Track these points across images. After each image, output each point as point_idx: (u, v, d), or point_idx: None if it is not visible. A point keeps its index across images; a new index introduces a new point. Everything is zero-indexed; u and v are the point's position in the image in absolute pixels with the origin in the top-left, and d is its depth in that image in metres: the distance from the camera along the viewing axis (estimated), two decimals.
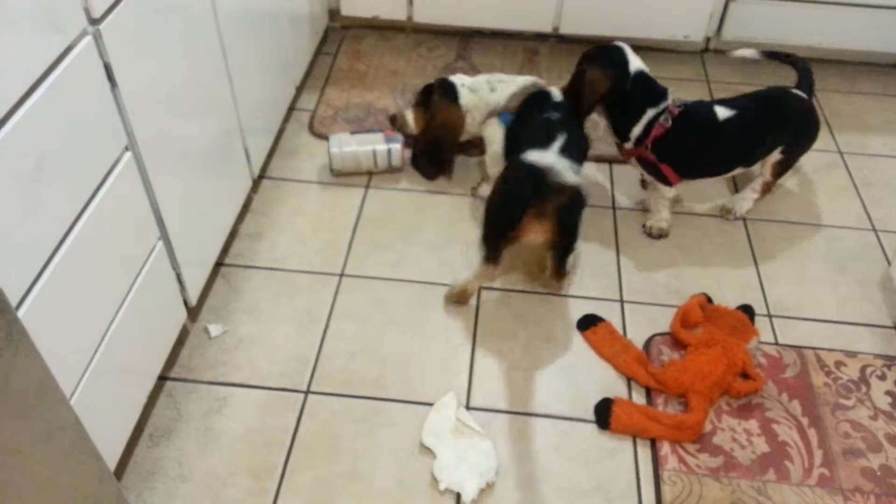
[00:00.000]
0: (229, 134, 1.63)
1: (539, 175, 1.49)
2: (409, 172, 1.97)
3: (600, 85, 1.67)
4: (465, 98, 1.83)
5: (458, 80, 1.86)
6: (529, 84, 1.81)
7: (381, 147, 1.91)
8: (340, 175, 1.95)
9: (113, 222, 1.16)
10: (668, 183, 1.72)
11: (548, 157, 1.54)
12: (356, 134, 1.95)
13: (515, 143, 1.66)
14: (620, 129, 1.71)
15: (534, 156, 1.55)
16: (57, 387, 0.86)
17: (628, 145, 1.71)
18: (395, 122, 1.95)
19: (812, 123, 1.77)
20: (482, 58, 2.40)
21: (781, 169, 1.79)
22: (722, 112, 1.67)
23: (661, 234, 1.81)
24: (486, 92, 1.82)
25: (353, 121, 2.12)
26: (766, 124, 1.70)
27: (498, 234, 1.54)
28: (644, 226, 1.82)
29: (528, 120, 1.72)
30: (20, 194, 0.94)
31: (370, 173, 1.96)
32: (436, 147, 1.88)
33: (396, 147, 1.91)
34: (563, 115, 1.67)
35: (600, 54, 1.70)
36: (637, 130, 1.68)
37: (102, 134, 1.12)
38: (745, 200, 1.85)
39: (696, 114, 1.68)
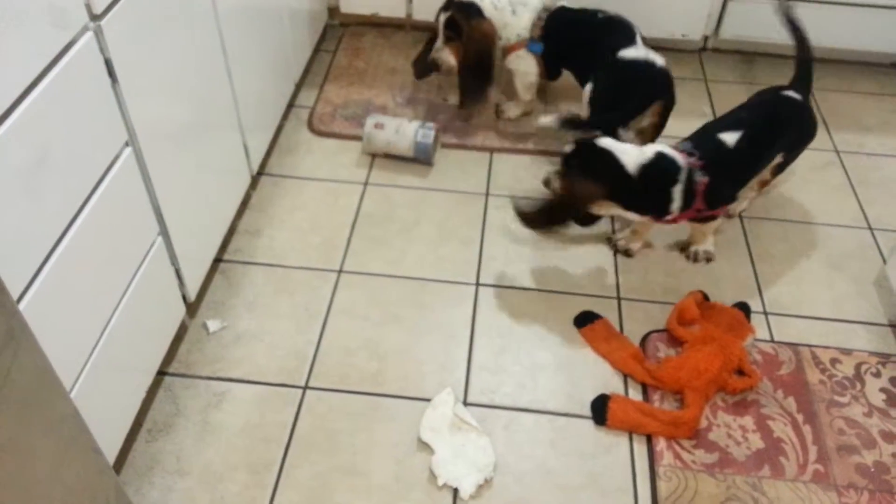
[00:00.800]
0: (229, 130, 1.63)
1: (657, 70, 1.79)
2: (413, 167, 1.97)
3: (594, 194, 1.55)
4: (488, 11, 1.87)
5: None
6: (541, 7, 1.89)
7: (408, 126, 1.95)
8: (372, 154, 2.01)
9: (113, 217, 1.17)
10: (716, 215, 1.67)
11: (643, 52, 1.79)
12: (395, 118, 1.98)
13: (586, 52, 1.85)
14: (654, 213, 1.59)
15: (632, 52, 1.78)
16: (57, 380, 0.86)
17: (671, 216, 1.59)
18: (438, 67, 1.96)
19: (810, 125, 1.76)
20: None
21: (779, 170, 1.79)
22: (729, 138, 1.60)
23: (708, 259, 1.76)
24: (508, 13, 1.88)
25: (353, 118, 2.12)
26: (772, 135, 1.67)
27: (622, 118, 1.77)
28: (691, 253, 1.76)
29: (576, 31, 1.88)
30: (21, 189, 0.95)
31: (399, 157, 1.99)
32: (480, 67, 1.91)
33: (428, 140, 1.93)
34: (600, 17, 1.88)
35: (586, 163, 1.57)
36: (676, 205, 1.56)
37: (103, 129, 1.13)
38: (743, 199, 1.85)
39: (715, 151, 1.59)
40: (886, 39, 2.25)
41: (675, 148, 1.59)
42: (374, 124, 1.95)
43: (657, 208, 1.57)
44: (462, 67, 1.92)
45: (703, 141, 1.62)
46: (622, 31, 1.84)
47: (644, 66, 1.78)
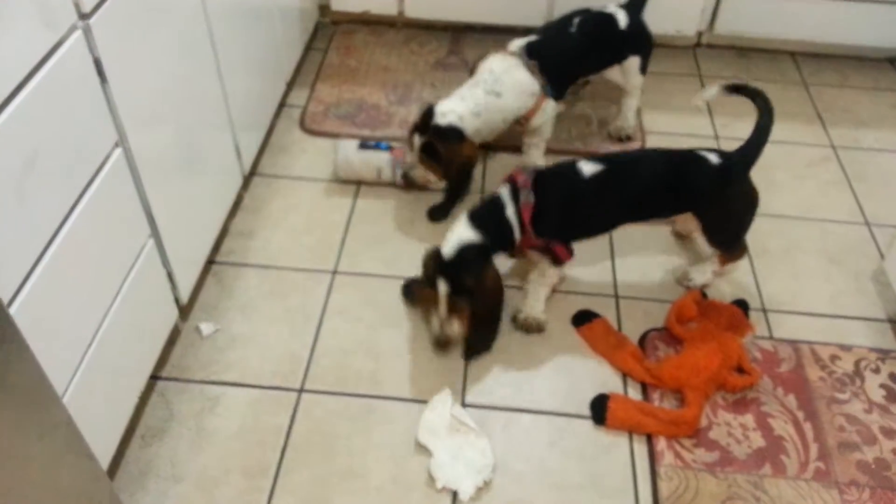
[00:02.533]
0: (220, 130, 1.61)
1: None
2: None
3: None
4: (470, 128, 1.71)
5: (452, 112, 1.69)
6: (527, 64, 1.77)
7: (387, 168, 1.87)
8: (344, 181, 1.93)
9: (103, 219, 1.15)
10: (560, 262, 1.53)
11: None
12: (364, 149, 1.87)
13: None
14: (502, 247, 1.49)
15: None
16: (50, 386, 0.85)
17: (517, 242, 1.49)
18: (411, 183, 1.83)
19: (727, 196, 1.54)
20: (474, 53, 2.39)
21: (716, 239, 1.60)
22: (588, 168, 1.48)
23: (539, 328, 1.57)
24: (492, 104, 1.72)
25: (345, 117, 2.10)
26: (659, 183, 1.51)
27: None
28: (517, 319, 1.58)
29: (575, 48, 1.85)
30: (10, 191, 0.93)
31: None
32: (460, 186, 1.81)
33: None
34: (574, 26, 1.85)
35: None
36: (517, 232, 1.47)
37: (92, 130, 1.11)
38: (704, 274, 1.66)
39: (557, 176, 1.50)
40: (882, 34, 2.25)
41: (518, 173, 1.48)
42: (344, 154, 1.87)
43: (504, 240, 1.48)
44: (449, 186, 1.80)
45: (558, 167, 1.52)
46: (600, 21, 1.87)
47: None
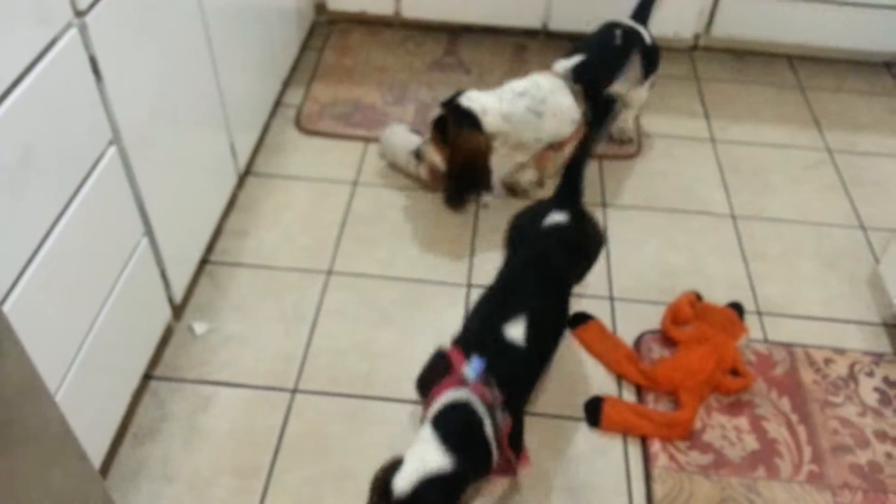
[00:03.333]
0: (215, 128, 1.61)
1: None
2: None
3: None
4: (492, 125, 1.63)
5: (479, 102, 1.63)
6: (574, 87, 1.67)
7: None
8: (391, 166, 1.95)
9: (97, 217, 1.15)
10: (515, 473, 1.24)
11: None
12: (410, 132, 1.91)
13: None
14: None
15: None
16: (43, 385, 0.85)
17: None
18: (420, 158, 1.77)
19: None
20: (471, 54, 2.39)
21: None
22: (516, 333, 1.23)
23: None
24: (529, 122, 1.63)
25: (341, 117, 2.10)
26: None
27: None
28: None
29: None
30: (4, 188, 0.93)
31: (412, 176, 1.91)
32: (465, 176, 1.68)
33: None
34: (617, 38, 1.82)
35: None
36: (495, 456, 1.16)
37: (87, 128, 1.11)
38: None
39: (507, 362, 1.22)
40: (878, 38, 2.26)
41: (463, 380, 1.15)
42: (389, 134, 1.92)
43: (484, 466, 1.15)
44: (448, 172, 1.70)
45: (489, 347, 1.20)
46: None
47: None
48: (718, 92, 2.29)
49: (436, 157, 1.71)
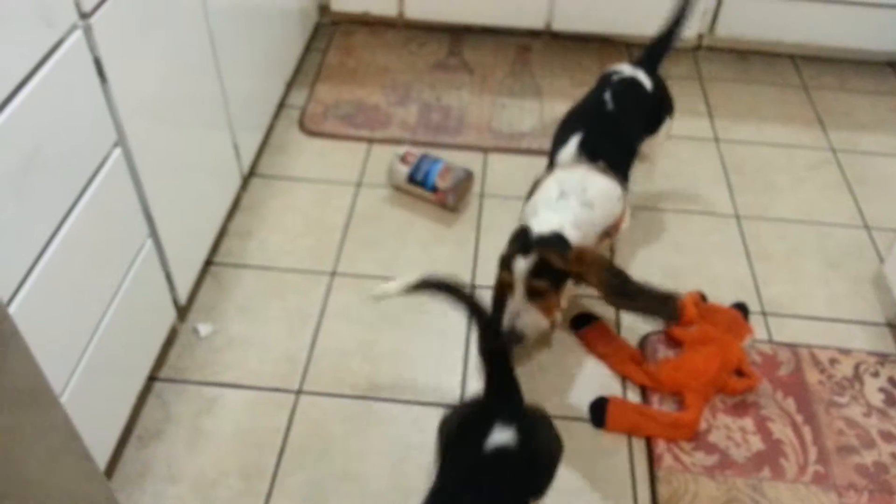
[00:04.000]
0: (219, 130, 1.61)
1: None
2: None
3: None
4: (575, 238, 1.38)
5: (549, 223, 1.38)
6: (585, 169, 1.47)
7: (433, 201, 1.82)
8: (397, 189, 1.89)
9: (102, 219, 1.15)
10: None
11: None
12: (411, 184, 1.84)
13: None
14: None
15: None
16: (48, 386, 0.85)
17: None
18: (522, 339, 1.41)
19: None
20: (474, 54, 2.39)
21: None
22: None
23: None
24: (587, 218, 1.42)
25: (344, 118, 2.10)
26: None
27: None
28: None
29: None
30: (9, 191, 0.93)
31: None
32: (625, 290, 1.38)
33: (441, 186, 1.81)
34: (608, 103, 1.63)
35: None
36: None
37: (92, 129, 1.11)
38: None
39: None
40: (881, 37, 2.25)
41: None
42: (400, 156, 1.86)
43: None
44: (614, 296, 1.38)
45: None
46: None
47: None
48: (722, 92, 2.28)
49: (541, 321, 1.40)
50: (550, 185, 1.46)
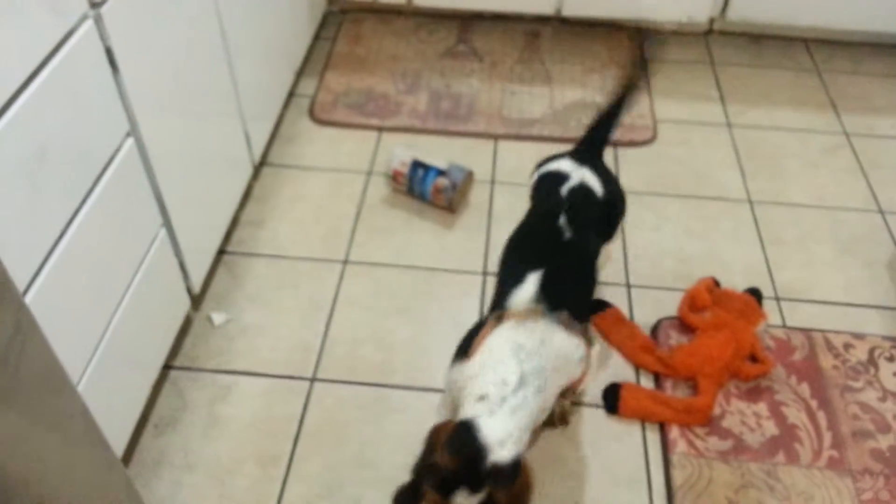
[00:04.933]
0: (230, 120, 1.61)
1: None
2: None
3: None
4: (524, 445, 1.10)
5: (510, 438, 1.06)
6: (544, 325, 1.20)
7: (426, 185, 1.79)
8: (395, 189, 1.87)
9: (116, 209, 1.15)
10: None
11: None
12: (410, 194, 1.82)
13: None
14: None
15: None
16: (65, 375, 0.85)
17: None
18: None
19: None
20: (483, 41, 2.38)
21: None
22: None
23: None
24: (538, 403, 1.13)
25: (354, 106, 2.10)
26: None
27: None
28: None
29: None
30: (24, 181, 0.93)
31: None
32: None
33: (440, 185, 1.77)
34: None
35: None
36: None
37: (104, 120, 1.11)
38: None
39: None
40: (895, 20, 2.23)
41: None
42: (391, 177, 1.81)
43: None
44: None
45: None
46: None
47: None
48: (734, 76, 2.26)
49: None
50: (506, 356, 1.13)
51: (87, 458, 0.93)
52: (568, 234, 1.32)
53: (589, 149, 1.48)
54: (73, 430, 0.89)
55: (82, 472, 0.92)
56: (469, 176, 1.82)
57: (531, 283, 1.24)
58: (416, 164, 1.78)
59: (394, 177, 1.81)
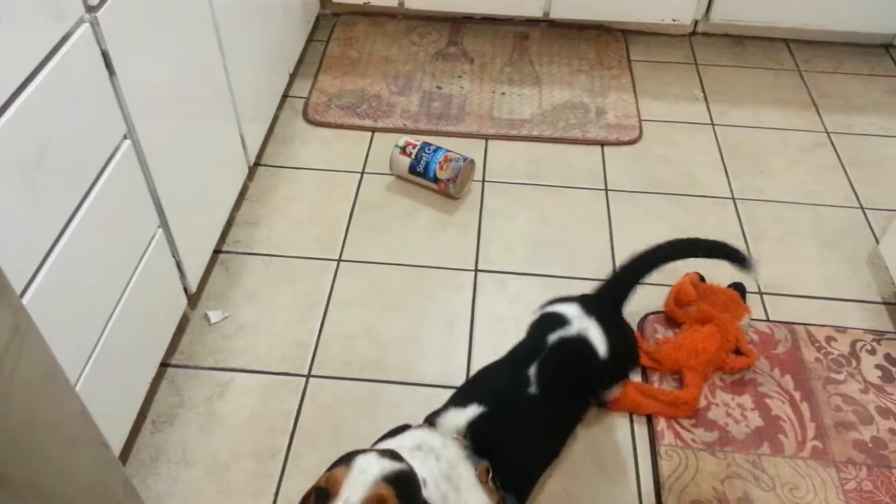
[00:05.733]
0: (225, 121, 1.63)
1: None
2: None
3: None
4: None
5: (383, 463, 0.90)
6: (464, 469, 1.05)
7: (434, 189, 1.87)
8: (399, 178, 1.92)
9: (114, 210, 1.17)
10: None
11: None
12: (413, 174, 1.87)
13: None
14: None
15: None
16: (63, 375, 0.85)
17: None
18: None
19: None
20: (474, 43, 2.41)
21: None
22: None
23: None
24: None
25: (347, 107, 2.12)
26: None
27: None
28: None
29: None
30: (22, 184, 0.94)
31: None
32: None
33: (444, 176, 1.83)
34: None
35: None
36: None
37: (101, 122, 1.12)
38: None
39: None
40: (875, 21, 2.27)
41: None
42: (401, 147, 1.88)
43: None
44: None
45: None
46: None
47: None
48: (718, 76, 2.30)
49: None
50: (412, 445, 1.05)
51: (86, 457, 0.93)
52: (533, 389, 1.15)
53: (606, 297, 1.31)
54: (71, 429, 0.89)
55: (82, 470, 0.92)
56: (471, 163, 1.87)
57: (466, 414, 1.11)
58: (426, 143, 1.87)
59: (404, 147, 1.86)
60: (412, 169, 1.86)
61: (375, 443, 1.12)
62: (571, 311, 1.26)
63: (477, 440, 1.09)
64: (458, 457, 1.05)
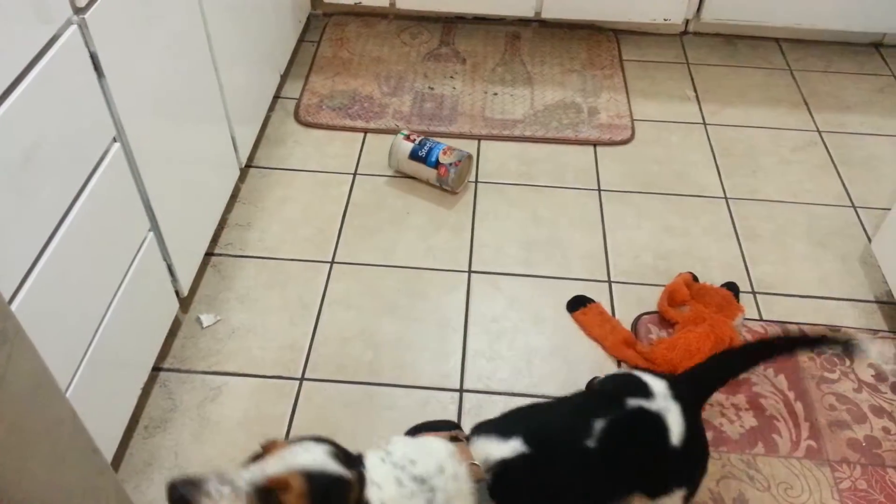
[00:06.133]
0: (216, 122, 1.62)
1: None
2: None
3: None
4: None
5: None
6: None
7: (433, 180, 1.86)
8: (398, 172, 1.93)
9: (104, 214, 1.16)
10: None
11: None
12: (414, 160, 1.86)
13: None
14: None
15: None
16: (54, 382, 0.85)
17: None
18: None
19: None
20: (465, 43, 2.40)
21: None
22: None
23: None
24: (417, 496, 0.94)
25: (339, 108, 2.11)
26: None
27: None
28: None
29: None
30: (10, 187, 0.94)
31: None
32: None
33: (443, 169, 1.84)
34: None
35: None
36: None
37: (90, 125, 1.12)
38: None
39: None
40: (865, 19, 2.27)
41: None
42: (405, 135, 1.90)
43: None
44: None
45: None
46: None
47: None
48: (709, 76, 2.31)
49: None
50: (428, 459, 0.97)
51: (77, 464, 0.93)
52: (591, 443, 1.02)
53: (694, 388, 1.16)
54: (62, 436, 0.88)
55: (72, 477, 0.91)
56: (470, 158, 1.88)
57: (503, 450, 0.99)
58: (428, 137, 1.91)
59: (408, 135, 1.88)
60: (414, 153, 1.86)
61: (415, 428, 1.12)
62: (657, 386, 1.09)
63: (502, 482, 0.97)
64: (459, 492, 0.95)
